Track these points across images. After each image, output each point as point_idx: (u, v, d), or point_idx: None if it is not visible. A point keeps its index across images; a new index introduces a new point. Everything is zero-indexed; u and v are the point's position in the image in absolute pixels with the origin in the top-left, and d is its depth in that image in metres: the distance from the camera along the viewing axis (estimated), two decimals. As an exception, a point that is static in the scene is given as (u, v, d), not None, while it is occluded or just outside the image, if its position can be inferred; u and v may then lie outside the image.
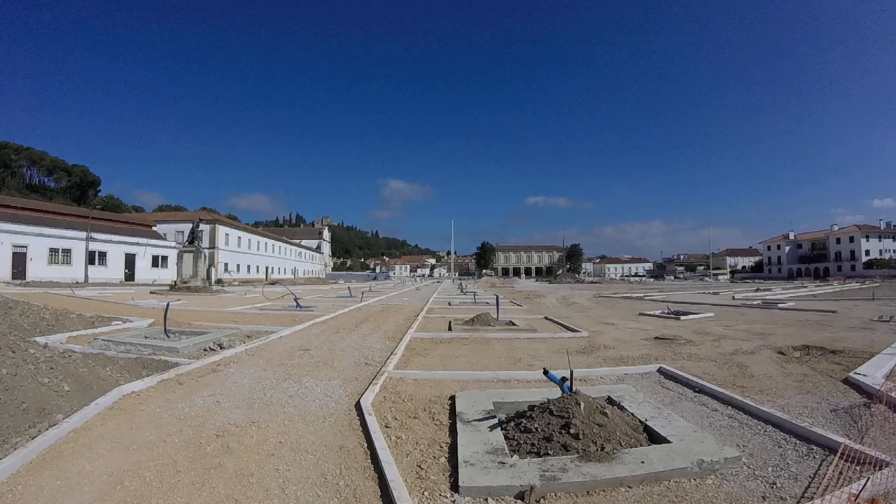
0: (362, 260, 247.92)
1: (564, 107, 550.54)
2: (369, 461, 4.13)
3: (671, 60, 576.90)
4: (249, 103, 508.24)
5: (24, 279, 42.72)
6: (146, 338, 9.75)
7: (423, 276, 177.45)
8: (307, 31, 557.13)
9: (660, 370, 7.83)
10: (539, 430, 4.37)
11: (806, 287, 50.58)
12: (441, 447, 4.47)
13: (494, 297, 19.78)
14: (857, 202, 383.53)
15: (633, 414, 5.10)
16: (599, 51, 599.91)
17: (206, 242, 62.34)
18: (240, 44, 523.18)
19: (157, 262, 61.14)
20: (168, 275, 55.04)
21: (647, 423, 4.83)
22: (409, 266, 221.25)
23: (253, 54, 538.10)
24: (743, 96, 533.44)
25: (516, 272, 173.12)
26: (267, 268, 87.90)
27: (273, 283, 57.94)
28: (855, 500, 3.11)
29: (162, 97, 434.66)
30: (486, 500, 3.46)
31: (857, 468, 3.78)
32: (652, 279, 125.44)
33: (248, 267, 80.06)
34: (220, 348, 9.33)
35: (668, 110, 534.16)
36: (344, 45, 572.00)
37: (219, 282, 56.36)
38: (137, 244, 58.69)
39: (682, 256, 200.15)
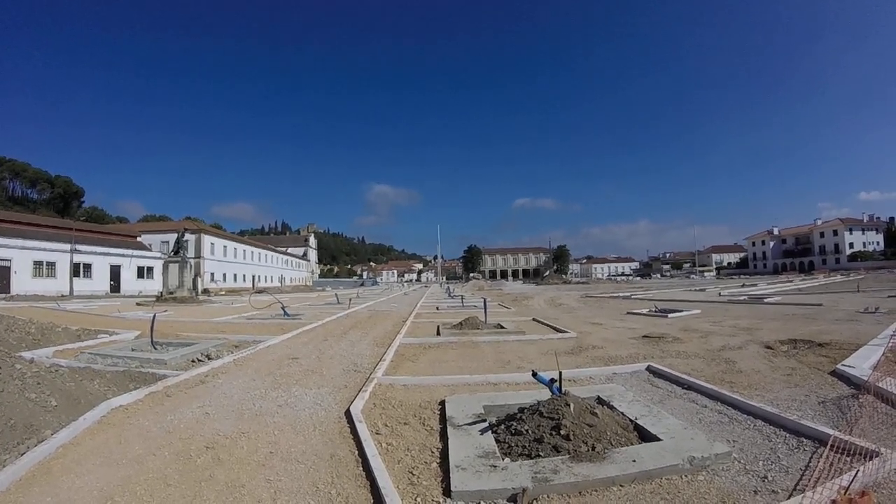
0: (349, 266, 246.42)
1: (551, 109, 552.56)
2: (361, 469, 4.12)
3: (654, 61, 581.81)
4: (231, 111, 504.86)
5: (9, 293, 42.21)
6: (133, 350, 9.67)
7: (411, 281, 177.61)
8: (289, 38, 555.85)
9: (648, 368, 7.88)
10: (530, 432, 4.38)
11: (791, 281, 51.15)
12: (432, 452, 4.46)
13: (482, 300, 19.77)
14: (843, 196, 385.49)
15: (623, 413, 5.12)
16: (584, 53, 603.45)
17: (191, 252, 61.80)
18: (220, 52, 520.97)
19: (142, 273, 60.58)
20: (154, 286, 54.51)
21: (637, 421, 4.85)
22: (396, 271, 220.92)
23: (234, 63, 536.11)
24: (726, 94, 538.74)
25: (504, 275, 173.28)
26: (253, 276, 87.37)
27: (260, 291, 57.57)
28: (846, 492, 3.13)
29: (142, 105, 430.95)
30: (478, 503, 3.46)
31: (848, 459, 3.82)
32: (639, 278, 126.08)
33: (235, 276, 79.59)
34: (208, 359, 9.26)
35: (653, 110, 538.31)
36: (327, 52, 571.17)
37: (205, 292, 55.93)
38: (122, 255, 58.17)
39: (668, 255, 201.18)
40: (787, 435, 4.60)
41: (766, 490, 3.55)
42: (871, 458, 3.76)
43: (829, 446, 4.02)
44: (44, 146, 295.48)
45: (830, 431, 4.36)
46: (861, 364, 7.28)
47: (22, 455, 4.25)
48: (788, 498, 3.38)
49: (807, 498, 3.15)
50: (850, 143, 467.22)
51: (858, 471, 3.44)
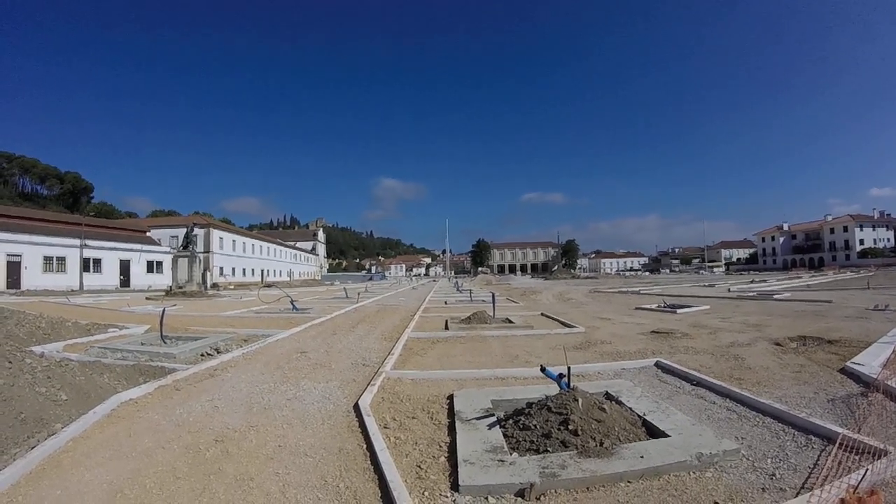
0: (358, 261, 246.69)
1: (559, 104, 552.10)
2: (369, 462, 4.13)
3: (663, 56, 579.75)
4: (239, 106, 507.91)
5: (20, 288, 42.55)
6: (143, 344, 9.73)
7: (419, 275, 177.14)
8: (296, 33, 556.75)
9: (657, 364, 7.85)
10: (538, 427, 4.38)
11: (801, 277, 50.79)
12: (440, 447, 4.47)
13: (490, 294, 19.72)
14: (854, 192, 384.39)
15: (631, 409, 5.11)
16: (593, 48, 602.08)
17: (200, 247, 62.14)
18: (228, 48, 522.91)
19: (152, 267, 60.85)
20: (163, 280, 54.84)
21: (646, 417, 4.84)
22: (404, 266, 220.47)
23: (242, 58, 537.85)
24: (736, 90, 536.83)
25: (512, 269, 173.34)
26: (262, 271, 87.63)
27: (269, 285, 57.72)
28: (855, 491, 3.12)
29: (150, 101, 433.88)
30: (486, 498, 3.46)
31: (856, 457, 3.80)
32: (647, 273, 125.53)
33: (244, 270, 79.82)
34: (217, 353, 9.31)
35: (662, 106, 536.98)
36: (334, 47, 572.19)
37: (214, 286, 56.17)
38: (132, 250, 58.46)
39: (676, 250, 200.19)
40: (796, 432, 4.58)
41: (774, 488, 3.54)
42: (880, 457, 3.74)
43: (837, 444, 4.00)
44: (53, 143, 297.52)
45: (839, 429, 4.34)
46: (870, 362, 7.22)
47: (32, 448, 4.28)
48: (796, 496, 3.36)
49: (815, 496, 3.13)
50: (862, 140, 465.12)
51: (867, 470, 3.42)
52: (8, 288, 42.15)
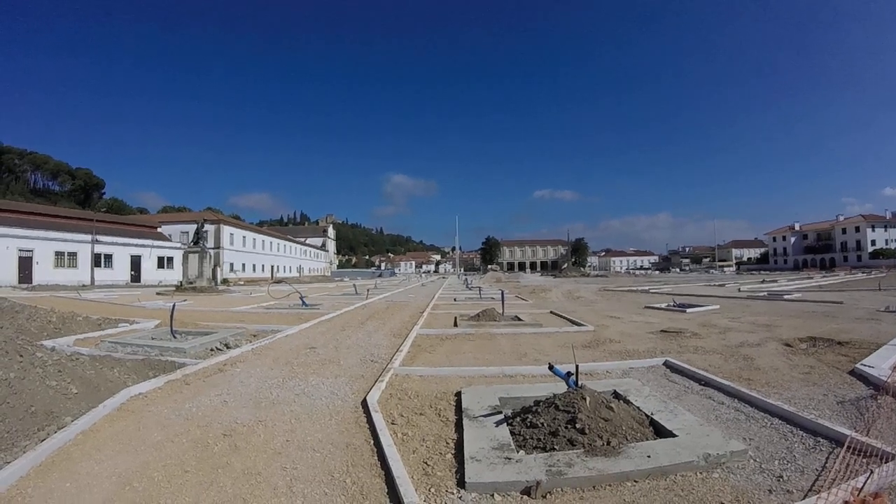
0: (367, 257, 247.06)
1: (572, 102, 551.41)
2: (376, 458, 4.15)
3: (677, 56, 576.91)
4: (250, 103, 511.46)
5: (31, 283, 42.87)
6: (153, 339, 9.78)
7: (429, 272, 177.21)
8: (307, 29, 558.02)
9: (666, 363, 7.83)
10: (545, 425, 4.38)
11: (812, 278, 50.34)
12: (447, 443, 4.48)
13: (500, 292, 19.68)
14: (867, 191, 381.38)
15: (638, 408, 5.09)
16: (605, 48, 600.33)
17: (210, 242, 62.33)
18: (239, 44, 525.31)
19: (162, 263, 61.16)
20: (174, 276, 55.09)
21: (653, 416, 4.83)
22: (414, 262, 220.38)
23: (253, 54, 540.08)
24: (751, 89, 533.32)
25: (521, 267, 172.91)
26: (272, 267, 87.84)
27: (278, 281, 57.99)
28: (859, 493, 3.10)
29: (161, 98, 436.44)
30: (492, 495, 3.47)
31: (864, 461, 3.77)
32: (657, 272, 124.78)
33: (254, 266, 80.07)
34: (227, 348, 9.36)
35: (675, 106, 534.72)
36: (345, 44, 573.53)
37: (224, 282, 56.46)
38: (143, 246, 58.73)
39: (687, 249, 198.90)
40: (804, 434, 4.55)
41: (781, 490, 3.52)
42: (887, 461, 3.71)
43: (845, 447, 3.97)
44: (65, 139, 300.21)
45: (847, 432, 4.31)
46: (880, 364, 7.17)
47: (42, 441, 4.33)
48: (804, 498, 3.34)
49: (822, 499, 3.11)
50: (876, 139, 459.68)
51: (873, 472, 3.40)
52: (20, 283, 42.51)
